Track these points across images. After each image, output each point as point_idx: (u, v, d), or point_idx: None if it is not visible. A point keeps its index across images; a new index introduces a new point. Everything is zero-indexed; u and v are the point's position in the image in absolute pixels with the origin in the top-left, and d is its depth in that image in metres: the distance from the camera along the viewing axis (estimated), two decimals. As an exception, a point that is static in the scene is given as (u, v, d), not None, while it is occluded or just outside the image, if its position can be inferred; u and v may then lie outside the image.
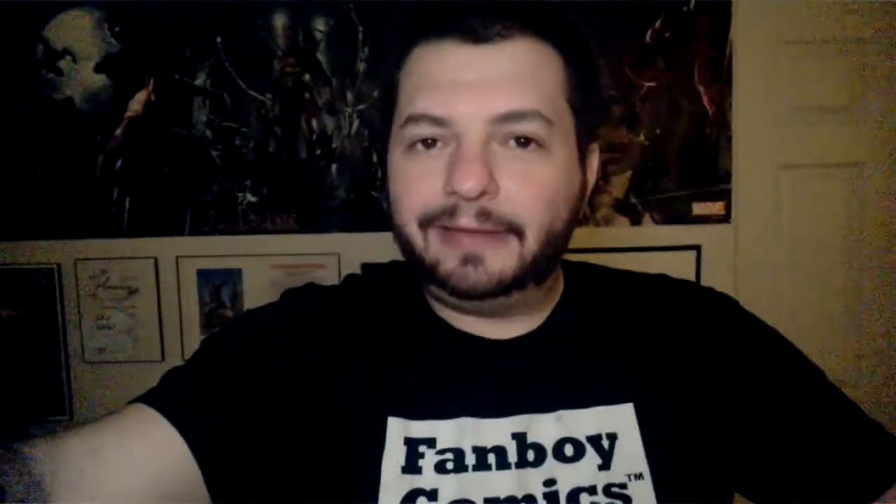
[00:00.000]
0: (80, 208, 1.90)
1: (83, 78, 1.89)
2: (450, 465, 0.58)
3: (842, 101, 1.89)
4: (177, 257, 1.91)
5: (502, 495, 0.56)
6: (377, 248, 1.87)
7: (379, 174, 1.90)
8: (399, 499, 0.56)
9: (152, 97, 1.89)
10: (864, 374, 1.88)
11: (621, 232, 1.90)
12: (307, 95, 1.89)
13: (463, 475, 0.57)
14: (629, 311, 0.68)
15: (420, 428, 0.59)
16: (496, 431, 0.59)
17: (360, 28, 1.86)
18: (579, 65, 0.63)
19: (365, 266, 1.85)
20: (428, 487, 0.56)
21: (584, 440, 0.59)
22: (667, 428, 0.60)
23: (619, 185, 1.88)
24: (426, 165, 0.59)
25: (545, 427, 0.59)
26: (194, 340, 1.89)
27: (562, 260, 0.70)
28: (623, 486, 0.57)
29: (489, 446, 0.58)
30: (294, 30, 1.87)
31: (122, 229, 1.91)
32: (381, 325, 0.66)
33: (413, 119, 0.59)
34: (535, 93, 0.58)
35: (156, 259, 1.91)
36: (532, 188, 0.58)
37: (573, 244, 0.65)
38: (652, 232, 1.90)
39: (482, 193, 0.56)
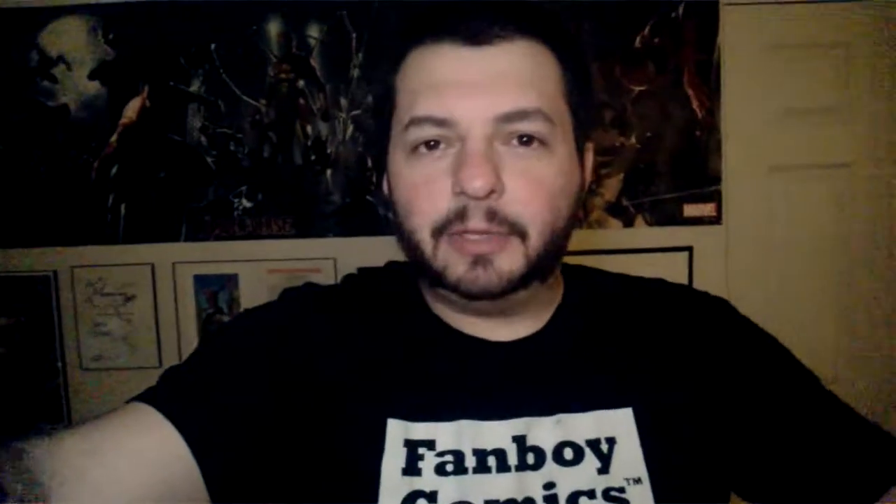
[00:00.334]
0: (76, 215, 1.91)
1: (78, 85, 1.90)
2: (449, 468, 0.58)
3: (831, 103, 1.92)
4: (173, 263, 1.91)
5: (502, 498, 0.56)
6: (373, 252, 1.87)
7: (374, 178, 1.91)
8: (399, 500, 0.56)
9: (147, 104, 1.90)
10: (856, 374, 1.90)
11: (614, 234, 1.92)
12: (301, 101, 1.90)
13: (463, 477, 0.57)
14: (627, 315, 0.68)
15: (420, 430, 0.59)
16: (496, 434, 0.59)
17: (354, 34, 1.87)
18: (574, 66, 0.63)
19: (361, 270, 1.86)
20: (428, 489, 0.57)
21: (583, 444, 0.59)
22: (665, 433, 0.60)
23: (611, 187, 1.90)
24: (431, 168, 0.59)
25: (545, 430, 0.59)
26: (191, 347, 1.87)
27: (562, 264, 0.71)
28: (622, 490, 0.57)
29: (489, 449, 0.58)
30: (288, 36, 1.88)
31: (118, 236, 1.91)
32: (380, 326, 0.66)
33: (415, 122, 0.59)
34: (536, 92, 0.59)
35: (152, 265, 1.91)
36: (535, 187, 0.58)
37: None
38: (644, 234, 1.92)
39: (490, 192, 0.56)
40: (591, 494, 0.57)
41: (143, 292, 1.91)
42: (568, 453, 0.59)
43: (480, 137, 0.57)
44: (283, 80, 1.90)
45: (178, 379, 0.62)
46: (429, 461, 0.58)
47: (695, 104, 1.89)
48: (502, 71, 0.58)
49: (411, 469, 0.58)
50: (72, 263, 1.90)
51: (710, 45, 1.88)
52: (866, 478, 0.60)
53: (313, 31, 1.88)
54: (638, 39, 1.88)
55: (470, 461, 0.58)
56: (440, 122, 0.58)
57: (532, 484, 0.57)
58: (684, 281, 1.88)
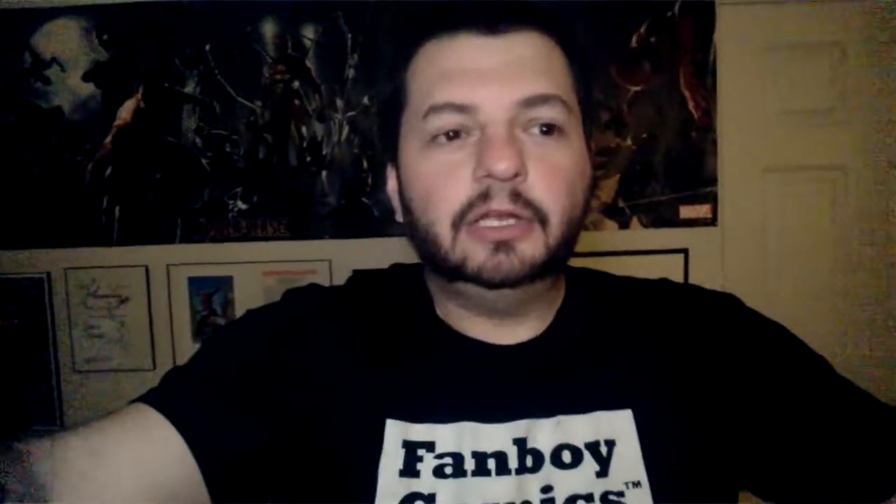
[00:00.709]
0: (70, 217, 1.90)
1: (71, 87, 1.89)
2: (448, 470, 0.57)
3: (826, 104, 1.92)
4: (167, 265, 1.91)
5: (500, 501, 0.56)
6: (368, 254, 1.88)
7: (370, 180, 1.90)
8: (396, 502, 0.55)
9: (141, 105, 1.89)
10: (852, 375, 1.88)
11: (609, 236, 1.91)
12: (297, 102, 1.89)
13: (462, 480, 0.56)
14: (630, 316, 0.67)
15: (419, 431, 0.59)
16: (497, 437, 0.58)
17: (349, 35, 1.87)
18: (579, 62, 0.64)
19: (357, 272, 1.86)
20: (426, 492, 0.56)
21: (581, 447, 0.58)
22: (666, 435, 0.59)
23: (606, 189, 1.90)
24: (451, 157, 0.58)
25: (544, 433, 0.59)
26: (185, 349, 1.89)
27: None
28: (620, 493, 0.56)
29: (489, 451, 0.58)
30: (283, 37, 1.88)
31: (112, 238, 1.91)
32: (381, 327, 0.66)
33: (435, 109, 0.58)
34: (553, 79, 0.59)
35: (146, 267, 1.91)
36: (556, 174, 0.58)
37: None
38: (640, 235, 1.92)
39: (515, 174, 0.55)
40: (588, 498, 0.56)
41: (137, 294, 1.90)
42: (566, 456, 0.58)
43: (502, 122, 0.57)
44: (278, 81, 1.89)
45: (180, 380, 0.61)
46: (427, 463, 0.57)
47: (691, 105, 1.89)
48: (520, 58, 0.58)
49: (409, 471, 0.57)
50: (65, 265, 1.90)
51: (707, 44, 1.88)
52: (886, 468, 0.59)
53: (308, 32, 1.88)
54: (634, 39, 1.87)
55: (469, 464, 0.57)
56: (461, 109, 0.57)
57: (530, 487, 0.56)
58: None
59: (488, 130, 0.57)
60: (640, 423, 0.59)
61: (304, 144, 1.90)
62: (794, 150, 1.93)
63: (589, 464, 0.57)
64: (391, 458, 0.57)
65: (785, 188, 1.94)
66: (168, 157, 1.90)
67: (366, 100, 1.89)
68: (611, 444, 0.58)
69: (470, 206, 0.57)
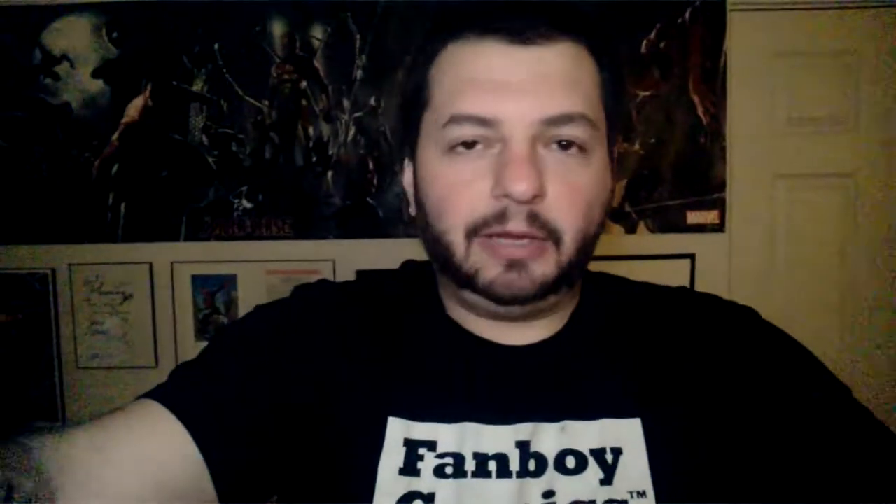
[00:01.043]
0: (76, 213, 1.91)
1: (80, 83, 1.90)
2: (449, 470, 0.56)
3: (836, 111, 1.90)
4: (172, 263, 1.90)
5: None
6: (372, 254, 1.87)
7: (375, 180, 1.90)
8: (394, 500, 0.55)
9: (149, 103, 1.90)
10: (858, 384, 1.88)
11: (616, 240, 1.90)
12: (304, 102, 1.89)
13: (461, 481, 0.56)
14: (645, 324, 0.66)
15: (421, 430, 0.58)
16: (499, 439, 0.58)
17: (358, 36, 1.87)
18: (610, 68, 0.62)
19: (360, 273, 1.85)
20: (425, 491, 0.55)
21: (587, 453, 0.57)
22: (675, 446, 0.58)
23: (614, 193, 1.89)
24: (470, 168, 0.57)
25: (549, 437, 0.58)
26: (188, 346, 1.89)
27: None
28: (624, 503, 0.55)
29: (491, 453, 0.57)
30: (292, 37, 1.88)
31: (118, 234, 1.91)
32: (389, 324, 0.65)
33: (457, 119, 0.57)
34: (580, 96, 0.58)
35: (151, 264, 1.91)
36: (574, 194, 0.57)
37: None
38: (646, 240, 1.91)
39: (534, 196, 0.55)
40: None
41: (140, 291, 1.90)
42: (570, 461, 0.57)
43: (524, 139, 0.56)
44: (285, 80, 1.89)
45: (187, 376, 0.61)
46: (428, 462, 0.57)
47: (700, 110, 1.88)
48: (548, 72, 0.57)
49: (409, 469, 0.56)
50: (70, 261, 1.90)
51: (717, 50, 1.87)
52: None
53: (317, 33, 1.88)
54: (644, 44, 1.87)
55: (469, 464, 0.57)
56: (484, 122, 0.56)
57: (531, 491, 0.55)
58: (687, 289, 1.87)
59: (510, 146, 0.56)
60: (648, 432, 0.58)
61: (311, 144, 1.90)
62: (803, 157, 1.92)
63: (593, 471, 0.56)
64: (392, 455, 0.57)
65: (793, 195, 1.93)
66: (175, 155, 1.90)
67: (373, 101, 1.88)
68: (617, 451, 0.57)
69: (485, 222, 0.56)
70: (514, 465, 0.57)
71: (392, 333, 0.64)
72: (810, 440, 0.59)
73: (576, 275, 0.60)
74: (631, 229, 1.91)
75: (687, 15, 1.86)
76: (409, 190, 0.67)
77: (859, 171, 1.92)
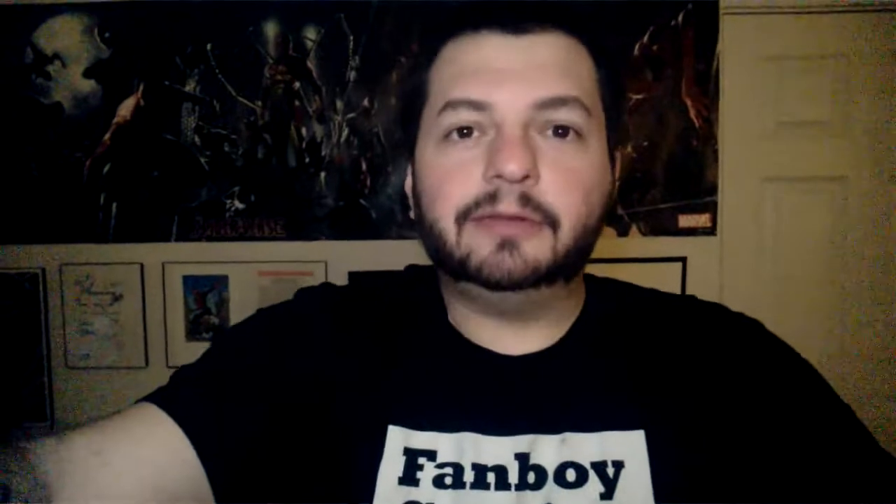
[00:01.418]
0: (67, 213, 1.90)
1: (72, 83, 1.89)
2: (448, 481, 0.56)
3: (827, 115, 1.91)
4: (163, 263, 1.90)
5: None
6: (365, 256, 1.87)
7: (368, 182, 1.90)
8: None
9: (141, 103, 1.89)
10: (849, 386, 1.89)
11: (608, 243, 1.90)
12: (297, 103, 1.89)
13: (460, 492, 0.55)
14: (650, 333, 0.64)
15: (421, 439, 0.58)
16: (498, 450, 0.57)
17: (351, 37, 1.87)
18: (607, 67, 0.63)
19: (352, 275, 1.85)
20: (424, 501, 0.55)
21: (587, 466, 0.56)
22: (679, 459, 0.56)
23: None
24: (463, 155, 0.58)
25: (549, 449, 0.57)
26: (179, 347, 1.88)
27: (586, 275, 0.68)
28: None
29: (490, 465, 0.56)
30: (285, 38, 1.88)
31: (109, 234, 1.90)
32: (390, 331, 0.65)
33: (452, 104, 0.58)
34: (573, 81, 0.58)
35: (142, 265, 1.90)
36: (571, 178, 0.57)
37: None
38: (638, 243, 1.91)
39: (525, 177, 0.54)
40: None
41: (131, 292, 1.89)
42: (570, 475, 0.55)
43: (517, 123, 0.56)
44: (278, 81, 1.89)
45: (187, 379, 0.61)
46: (428, 472, 0.56)
47: (692, 113, 1.88)
48: (541, 59, 0.58)
49: (409, 479, 0.56)
50: (61, 261, 1.89)
51: (710, 54, 1.87)
52: None
53: (310, 34, 1.88)
54: (637, 47, 1.87)
55: (468, 476, 0.56)
56: (477, 106, 0.57)
57: None
58: (677, 292, 1.87)
59: (502, 131, 0.56)
60: (652, 445, 0.57)
61: (303, 145, 1.90)
62: (794, 160, 1.92)
63: (594, 485, 0.55)
64: (391, 464, 0.56)
65: (784, 198, 1.93)
66: (166, 156, 1.90)
67: (366, 102, 1.88)
68: (619, 465, 0.56)
69: (477, 204, 0.56)
70: (513, 478, 0.56)
71: (393, 340, 0.64)
72: (812, 458, 0.58)
73: (572, 266, 0.59)
74: (623, 232, 1.91)
75: (680, 18, 1.86)
76: (410, 195, 0.67)
77: (850, 174, 1.93)
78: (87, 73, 1.89)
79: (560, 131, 0.57)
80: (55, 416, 1.91)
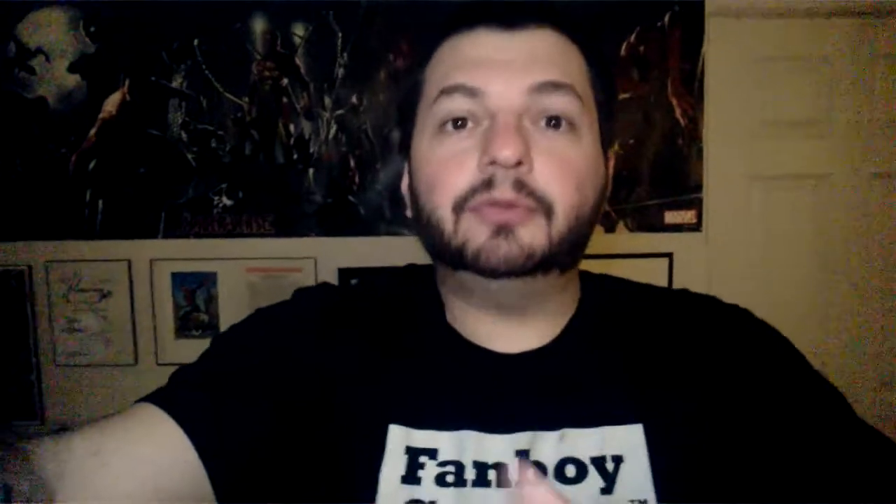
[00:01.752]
0: (52, 209, 1.88)
1: (57, 77, 1.87)
2: (450, 479, 0.56)
3: (811, 115, 1.94)
4: (151, 260, 1.89)
5: None
6: (354, 252, 1.87)
7: (357, 179, 1.90)
8: None
9: (127, 98, 1.87)
10: (834, 380, 1.92)
11: (595, 239, 1.90)
12: (285, 100, 1.88)
13: (462, 490, 0.56)
14: (645, 327, 0.65)
15: (422, 437, 0.58)
16: (498, 448, 0.57)
17: (340, 34, 1.86)
18: (598, 67, 0.64)
19: (342, 271, 1.86)
20: (426, 499, 0.55)
21: (587, 461, 0.56)
22: (677, 452, 0.57)
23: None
24: (458, 146, 0.59)
25: (547, 445, 0.57)
26: (168, 344, 1.87)
27: (581, 271, 0.69)
28: None
29: (490, 462, 0.57)
30: (273, 34, 1.87)
31: (95, 231, 1.89)
32: (389, 329, 0.65)
33: (446, 91, 0.59)
34: (566, 71, 0.60)
35: (129, 262, 1.89)
36: (564, 167, 0.58)
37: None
38: (625, 239, 1.93)
39: (519, 163, 0.55)
40: None
41: (119, 289, 1.88)
42: (570, 470, 0.56)
43: (511, 111, 0.57)
44: (266, 77, 1.88)
45: (187, 379, 0.61)
46: (429, 470, 0.57)
47: (678, 113, 1.90)
48: (535, 51, 0.59)
49: (411, 477, 0.56)
50: (47, 258, 1.88)
51: (695, 54, 1.89)
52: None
53: (299, 30, 1.87)
54: (624, 47, 1.88)
55: (469, 473, 0.56)
56: (471, 92, 0.58)
57: None
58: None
59: (496, 119, 0.57)
60: (651, 438, 0.57)
61: (291, 142, 1.89)
62: (778, 159, 1.95)
63: (594, 479, 0.56)
64: (393, 463, 0.57)
65: (768, 196, 1.97)
66: (153, 152, 1.88)
67: (354, 98, 1.88)
68: (618, 459, 0.57)
69: (472, 192, 0.57)
70: (514, 475, 0.56)
71: (392, 339, 0.65)
72: (810, 445, 0.59)
73: (567, 254, 0.60)
74: (610, 228, 1.93)
75: (666, 19, 1.87)
76: (406, 193, 0.68)
77: (833, 172, 1.96)
78: (72, 68, 1.86)
79: (553, 122, 0.58)
80: (45, 414, 1.90)
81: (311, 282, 1.84)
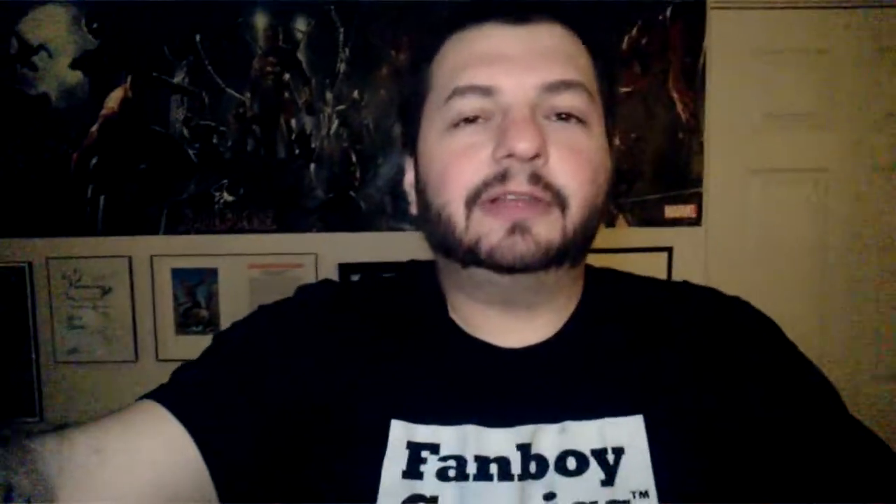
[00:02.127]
0: (54, 206, 1.88)
1: (59, 74, 1.87)
2: (451, 473, 0.56)
3: (811, 108, 1.95)
4: (151, 256, 1.89)
5: None
6: (355, 248, 1.87)
7: (358, 174, 1.90)
8: (398, 503, 0.55)
9: (129, 94, 1.88)
10: (831, 375, 1.92)
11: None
12: (286, 95, 1.89)
13: (464, 484, 0.55)
14: (646, 319, 0.65)
15: (423, 432, 0.58)
16: (500, 441, 0.57)
17: (341, 29, 1.87)
18: (603, 62, 0.64)
19: (343, 267, 1.86)
20: (428, 494, 0.55)
21: (588, 453, 0.56)
22: (678, 443, 0.57)
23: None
24: (470, 139, 0.58)
25: (548, 438, 0.57)
26: (168, 341, 1.87)
27: (584, 265, 0.69)
28: (626, 503, 0.54)
29: (492, 456, 0.57)
30: (275, 29, 1.87)
31: (96, 227, 1.89)
32: (391, 326, 0.65)
33: (459, 91, 0.58)
34: (576, 68, 0.60)
35: (130, 258, 1.88)
36: (578, 159, 0.58)
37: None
38: (625, 234, 1.93)
39: (536, 156, 0.55)
40: None
41: (120, 285, 1.88)
42: (571, 463, 0.56)
43: (524, 105, 0.57)
44: (268, 73, 1.88)
45: (189, 377, 0.61)
46: (431, 465, 0.56)
47: (679, 107, 1.90)
48: (544, 46, 0.59)
49: (412, 472, 0.56)
50: (48, 255, 1.87)
51: (697, 48, 1.90)
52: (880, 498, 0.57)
53: (300, 25, 1.87)
54: (625, 41, 1.89)
55: (471, 467, 0.56)
56: (484, 91, 0.58)
57: (533, 493, 0.55)
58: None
59: (510, 112, 0.57)
60: (651, 429, 0.57)
61: (293, 137, 1.89)
62: (778, 152, 1.96)
63: (595, 471, 0.56)
64: (395, 458, 0.57)
65: (768, 190, 1.97)
66: (155, 148, 1.88)
67: (356, 94, 1.89)
68: (618, 451, 0.57)
69: (486, 185, 0.57)
70: (516, 468, 0.56)
71: (394, 335, 0.64)
72: (801, 438, 0.59)
73: (580, 246, 0.60)
74: (610, 223, 1.93)
75: (668, 13, 1.88)
76: (411, 190, 0.68)
77: (833, 166, 1.97)
78: (74, 65, 1.87)
79: (564, 116, 0.58)
80: (44, 411, 1.89)
81: (312, 278, 1.84)
